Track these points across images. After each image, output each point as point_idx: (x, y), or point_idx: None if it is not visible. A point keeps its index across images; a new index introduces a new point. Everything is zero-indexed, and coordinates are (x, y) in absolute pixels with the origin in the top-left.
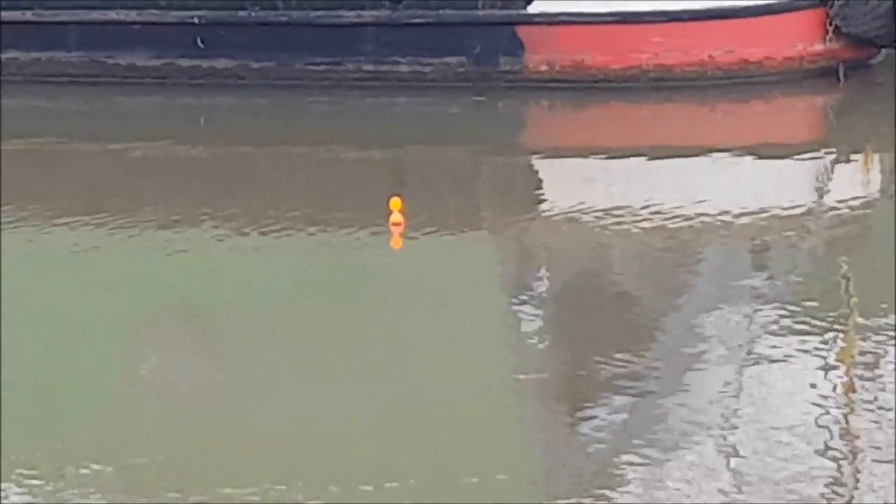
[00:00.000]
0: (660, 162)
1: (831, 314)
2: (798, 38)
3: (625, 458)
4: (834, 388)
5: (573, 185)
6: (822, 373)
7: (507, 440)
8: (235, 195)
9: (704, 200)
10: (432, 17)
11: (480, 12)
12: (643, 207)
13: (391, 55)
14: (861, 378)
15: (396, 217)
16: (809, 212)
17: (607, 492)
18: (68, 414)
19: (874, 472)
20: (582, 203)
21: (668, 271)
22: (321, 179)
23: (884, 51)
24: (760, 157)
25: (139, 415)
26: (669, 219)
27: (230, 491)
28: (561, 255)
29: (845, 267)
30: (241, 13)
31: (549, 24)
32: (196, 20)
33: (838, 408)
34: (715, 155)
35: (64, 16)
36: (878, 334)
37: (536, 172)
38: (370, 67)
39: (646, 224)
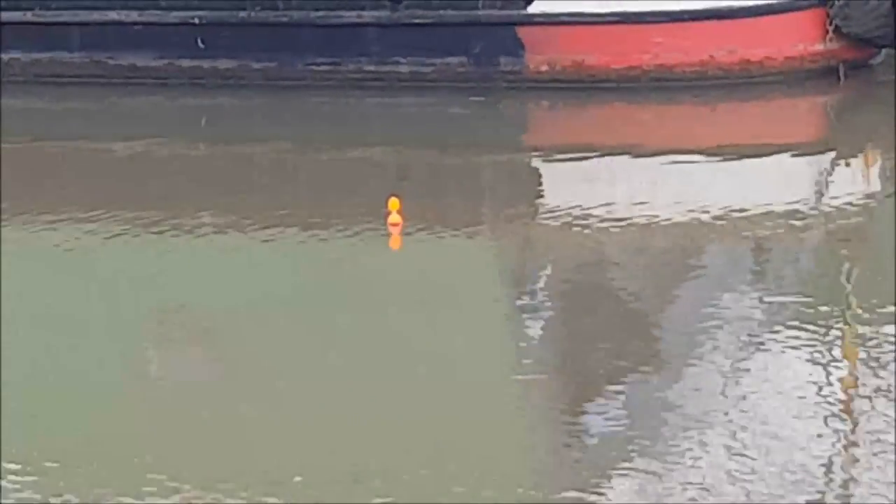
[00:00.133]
0: (661, 162)
1: (831, 313)
2: (799, 38)
3: (625, 458)
4: (834, 387)
5: (573, 185)
6: (822, 372)
7: (506, 440)
8: (235, 195)
9: (705, 200)
10: (433, 18)
11: (481, 13)
12: (644, 207)
13: (392, 55)
14: (861, 376)
15: (395, 217)
16: (810, 211)
17: (608, 491)
18: (68, 414)
19: (875, 471)
20: (582, 203)
21: (669, 271)
22: (322, 179)
23: (884, 51)
24: (761, 156)
25: (139, 414)
26: (670, 218)
27: (230, 490)
28: (561, 254)
29: (845, 266)
30: (242, 14)
31: (550, 24)
32: (197, 21)
33: (838, 408)
34: (715, 154)
35: (65, 16)
36: (878, 334)
37: (537, 172)
38: (371, 68)
39: (646, 224)
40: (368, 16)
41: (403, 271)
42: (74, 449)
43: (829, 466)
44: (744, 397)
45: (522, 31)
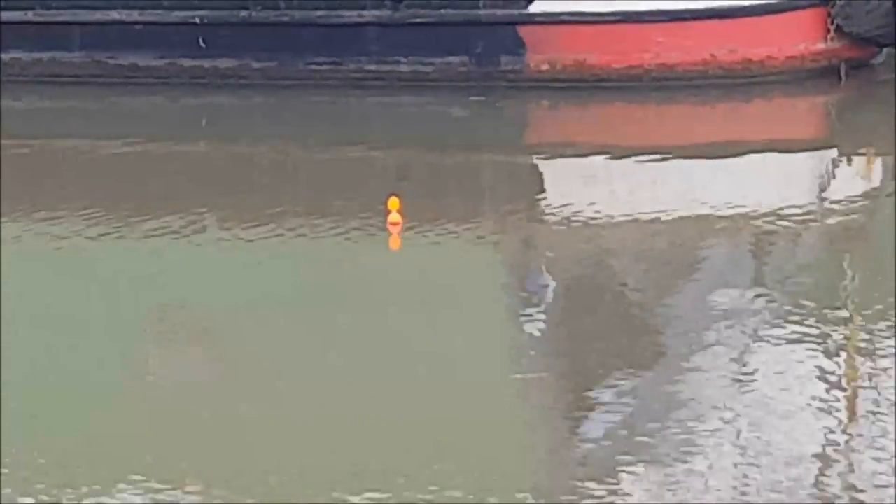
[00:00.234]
0: (662, 161)
1: (832, 312)
2: (800, 37)
3: (625, 458)
4: (835, 386)
5: (574, 185)
6: (823, 370)
7: (506, 440)
8: (235, 195)
9: (706, 200)
10: (434, 17)
11: (482, 12)
12: (645, 207)
13: (393, 55)
14: (862, 374)
15: (395, 217)
16: (810, 211)
17: (608, 491)
18: (68, 414)
19: (875, 471)
20: (583, 203)
21: (669, 270)
22: (322, 179)
23: (885, 50)
24: (762, 156)
25: (139, 414)
26: (671, 218)
27: (229, 490)
28: (562, 254)
29: (846, 266)
30: (243, 13)
31: (551, 23)
32: (198, 20)
33: (840, 406)
34: (716, 154)
35: (66, 16)
36: (878, 334)
37: (537, 172)
38: (372, 67)
39: (647, 223)
40: (369, 15)
41: (404, 271)
42: (74, 449)
43: (829, 466)
44: (745, 396)
45: (523, 31)
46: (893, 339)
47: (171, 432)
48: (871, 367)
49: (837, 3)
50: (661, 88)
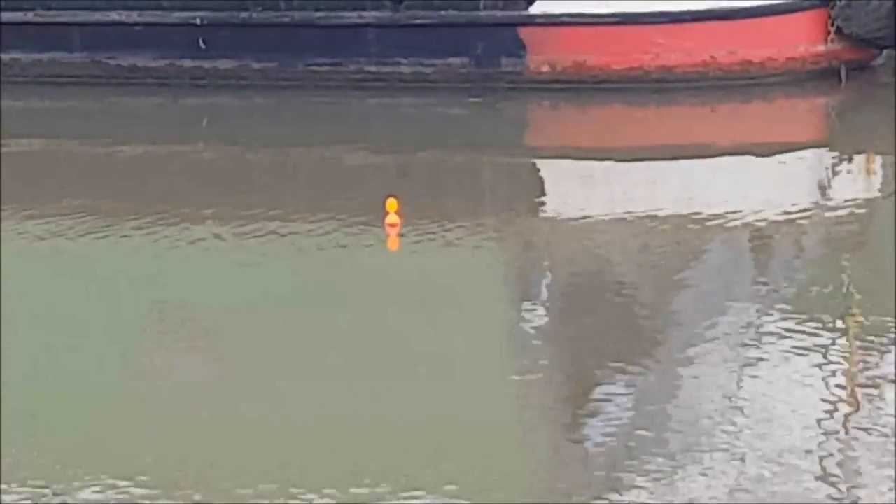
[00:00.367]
0: (662, 162)
1: (832, 313)
2: (800, 39)
3: (625, 458)
4: (836, 386)
5: (575, 186)
6: (823, 370)
7: (506, 440)
8: (235, 195)
9: (706, 200)
10: (434, 18)
11: (482, 13)
12: (644, 208)
13: (393, 56)
14: (862, 374)
15: (392, 218)
16: (810, 212)
17: (608, 491)
18: (68, 414)
19: (875, 471)
20: (583, 203)
21: (669, 270)
22: (322, 179)
23: (885, 52)
24: (762, 157)
25: (139, 414)
26: (671, 219)
27: (229, 490)
28: (562, 255)
29: (846, 266)
30: (243, 14)
31: (551, 24)
32: (198, 21)
33: (840, 405)
34: (716, 155)
35: (66, 17)
36: (878, 333)
37: (537, 172)
38: (372, 68)
39: (647, 224)
40: (369, 16)
41: (403, 271)
42: (74, 449)
43: (830, 465)
44: (745, 396)
45: (524, 32)
46: (893, 338)
47: (171, 432)
48: (871, 367)
49: (837, 4)
50: (661, 90)
